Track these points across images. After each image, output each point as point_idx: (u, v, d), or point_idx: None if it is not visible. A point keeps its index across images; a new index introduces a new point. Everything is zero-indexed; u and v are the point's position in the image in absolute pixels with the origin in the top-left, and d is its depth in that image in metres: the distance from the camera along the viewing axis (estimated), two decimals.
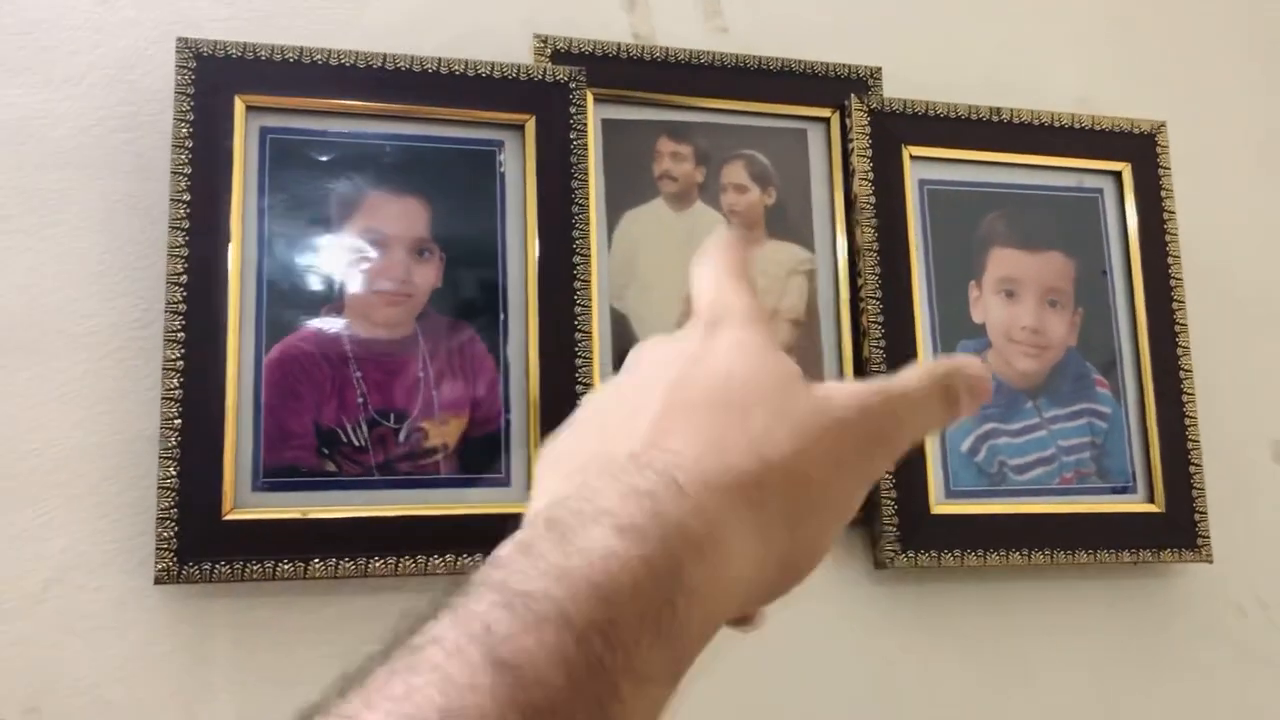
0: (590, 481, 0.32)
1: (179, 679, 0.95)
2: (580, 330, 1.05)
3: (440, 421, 1.01)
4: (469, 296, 1.04)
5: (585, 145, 1.08)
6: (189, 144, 0.99)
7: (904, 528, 1.09)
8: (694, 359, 0.36)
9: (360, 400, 1.00)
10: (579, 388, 1.04)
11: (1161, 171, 1.25)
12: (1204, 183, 1.30)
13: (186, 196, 0.98)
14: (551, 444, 0.38)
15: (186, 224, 0.97)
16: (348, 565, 0.96)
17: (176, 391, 0.95)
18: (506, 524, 0.97)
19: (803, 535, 0.34)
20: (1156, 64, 1.36)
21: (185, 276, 0.96)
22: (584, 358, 1.04)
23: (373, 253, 1.03)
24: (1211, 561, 1.17)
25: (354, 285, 1.02)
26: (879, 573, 1.12)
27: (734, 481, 0.32)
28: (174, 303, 0.96)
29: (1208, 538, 1.17)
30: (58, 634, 0.93)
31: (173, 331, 0.95)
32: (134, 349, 1.00)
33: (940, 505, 1.12)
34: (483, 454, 1.02)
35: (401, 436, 1.00)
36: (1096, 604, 1.18)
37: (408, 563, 0.97)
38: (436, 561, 0.97)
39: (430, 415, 1.01)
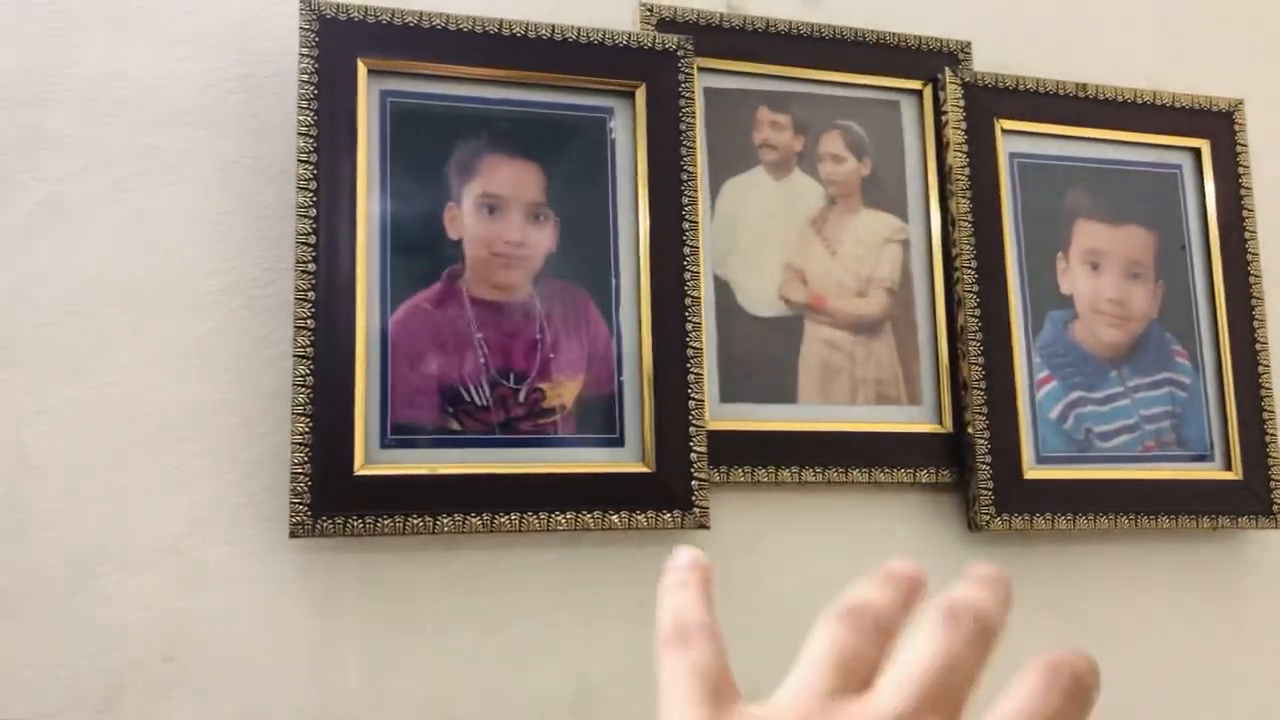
0: None
1: (310, 629, 0.97)
2: (690, 296, 1.07)
3: (557, 383, 1.03)
4: (583, 260, 1.06)
5: (693, 113, 1.10)
6: (314, 105, 1.00)
7: (999, 492, 1.12)
8: None
9: (482, 361, 1.02)
10: (689, 351, 1.06)
11: (1239, 148, 1.28)
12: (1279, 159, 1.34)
13: (314, 157, 0.99)
14: None
15: (314, 184, 0.99)
16: (474, 520, 0.98)
17: (308, 349, 0.96)
18: (624, 483, 1.00)
19: None
20: (1233, 40, 1.39)
21: (314, 236, 0.98)
22: (693, 323, 1.07)
23: (490, 216, 1.04)
24: None
25: (473, 247, 1.03)
26: (973, 535, 1.15)
27: None
28: (303, 261, 0.97)
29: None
30: (191, 586, 0.95)
31: (303, 290, 0.97)
32: (256, 308, 1.01)
33: (1032, 470, 1.15)
34: (598, 415, 1.04)
35: (521, 396, 1.02)
36: (1175, 567, 1.21)
37: (531, 519, 0.99)
38: (559, 517, 0.99)
39: (548, 377, 1.03)
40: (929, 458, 1.14)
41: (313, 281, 0.97)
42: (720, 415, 1.09)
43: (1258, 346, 1.24)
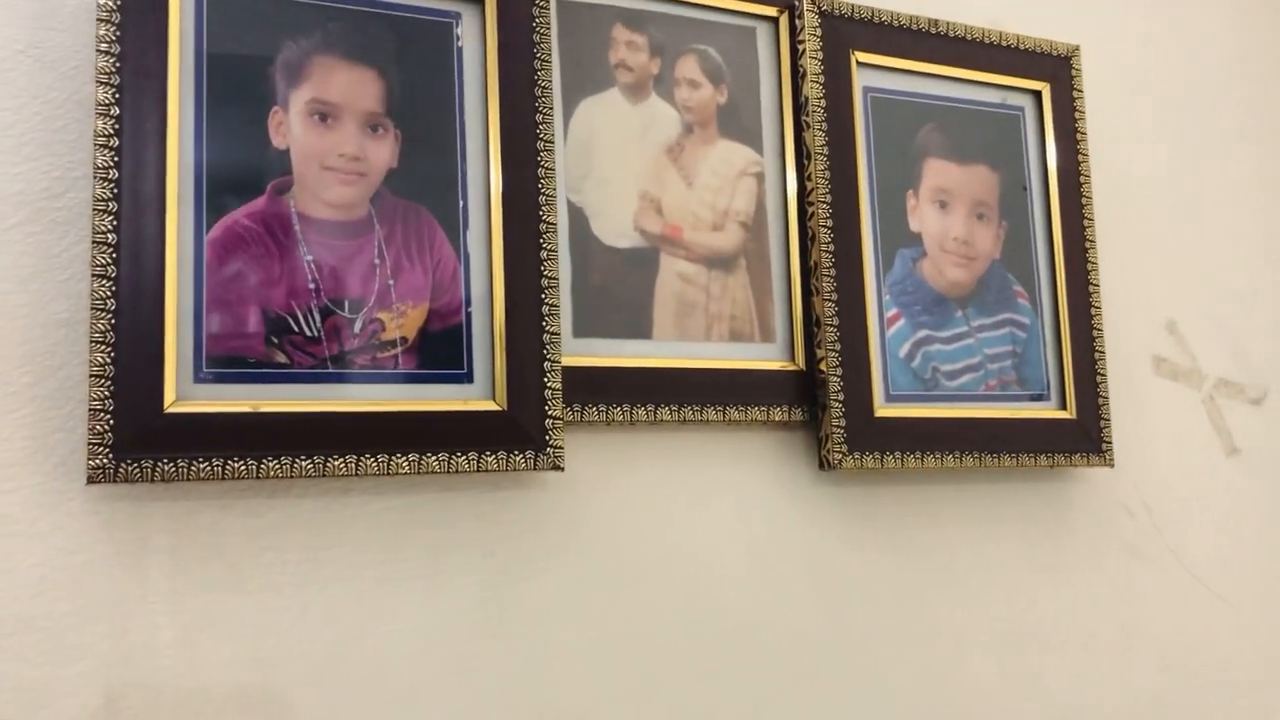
0: None
1: (109, 589, 0.85)
2: (545, 222, 0.99)
3: (398, 313, 0.94)
4: (427, 179, 0.97)
5: (547, 24, 1.02)
6: None
7: (850, 430, 1.10)
8: None
9: (312, 286, 0.91)
10: (544, 281, 0.98)
11: (1076, 94, 1.30)
12: (1115, 105, 1.37)
13: (117, 48, 0.86)
14: None
15: (116, 79, 0.85)
16: (304, 464, 0.88)
17: (108, 268, 0.84)
18: (472, 421, 0.92)
19: None
20: None
21: (117, 139, 0.85)
22: (549, 250, 0.99)
23: (322, 125, 0.93)
24: (1113, 466, 1.25)
25: (302, 159, 0.92)
26: (824, 474, 1.13)
27: None
28: (103, 168, 0.84)
29: (1110, 444, 1.25)
30: None
31: (102, 200, 0.84)
32: (44, 222, 0.87)
33: (882, 409, 1.14)
34: (444, 348, 0.95)
35: (357, 327, 0.93)
36: (1012, 502, 1.24)
37: (368, 461, 0.90)
38: (399, 460, 0.91)
39: (387, 305, 0.94)
40: (782, 396, 1.11)
41: (114, 190, 0.84)
42: (573, 350, 1.02)
43: (1090, 289, 1.27)
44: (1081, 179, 1.28)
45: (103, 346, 0.83)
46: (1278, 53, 1.59)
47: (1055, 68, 1.30)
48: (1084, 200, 1.28)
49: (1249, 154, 1.52)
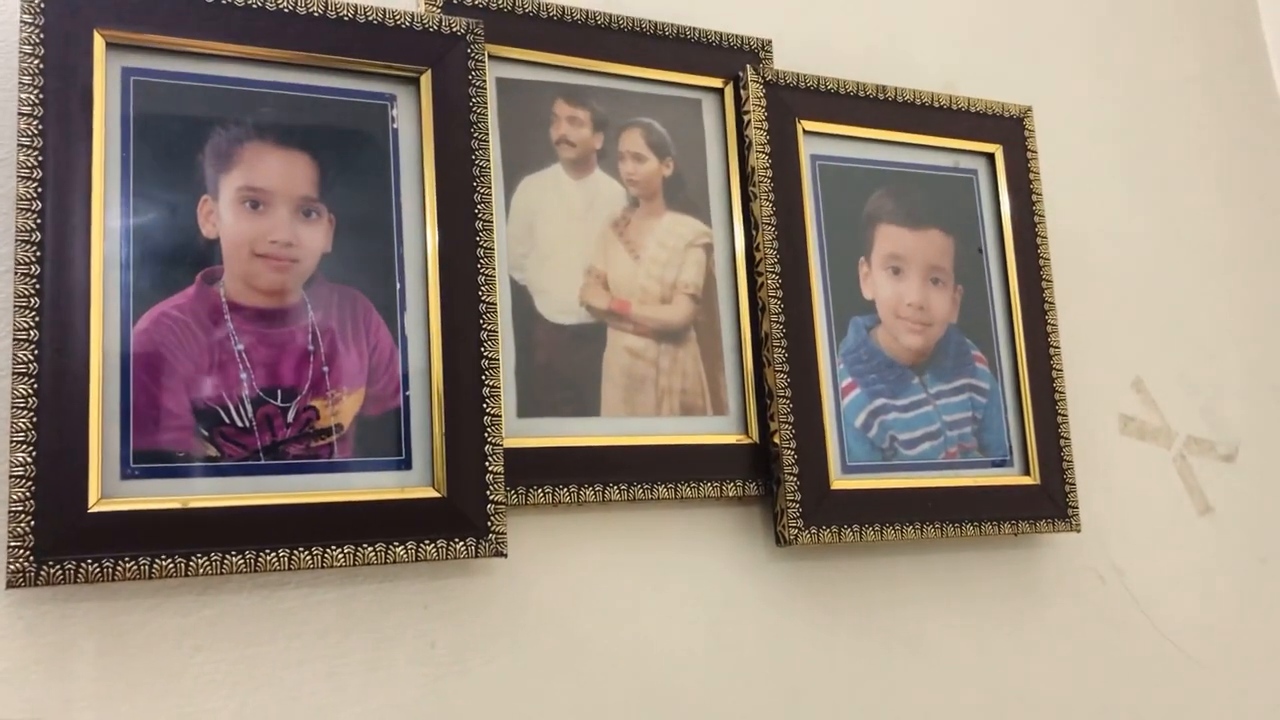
0: None
1: (31, 697, 0.82)
2: (484, 302, 0.98)
3: (333, 399, 0.92)
4: (363, 262, 0.96)
5: (484, 103, 1.01)
6: (39, 82, 0.85)
7: (805, 504, 1.08)
8: None
9: (243, 376, 0.90)
10: (484, 362, 0.97)
11: (1030, 154, 1.30)
12: (1071, 164, 1.36)
13: (39, 141, 0.85)
14: None
15: (39, 173, 0.84)
16: (235, 559, 0.85)
17: (30, 365, 0.82)
18: (410, 509, 0.90)
19: None
20: (1024, 49, 1.41)
21: (39, 234, 0.84)
22: (488, 330, 0.98)
23: (253, 211, 0.92)
24: (1079, 531, 1.23)
25: (233, 247, 0.91)
26: (781, 549, 1.10)
27: None
28: (25, 263, 0.83)
29: (1076, 508, 1.22)
30: None
31: (24, 296, 0.82)
32: None
33: (838, 480, 1.11)
34: (381, 434, 0.94)
35: (290, 416, 0.91)
36: (978, 572, 1.21)
37: (302, 555, 0.87)
38: (335, 552, 0.88)
39: (322, 393, 0.92)
40: (735, 470, 1.09)
41: (36, 286, 0.83)
42: (518, 431, 1.00)
43: (1051, 351, 1.25)
44: (1038, 240, 1.27)
45: (24, 447, 0.81)
46: (1235, 105, 1.59)
47: (1008, 129, 1.29)
48: (1041, 261, 1.27)
49: (1210, 206, 1.51)
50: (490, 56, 1.05)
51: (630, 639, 1.03)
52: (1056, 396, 1.24)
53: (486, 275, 0.98)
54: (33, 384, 0.82)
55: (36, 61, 0.86)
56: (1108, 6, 1.51)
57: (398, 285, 0.96)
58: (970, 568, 1.21)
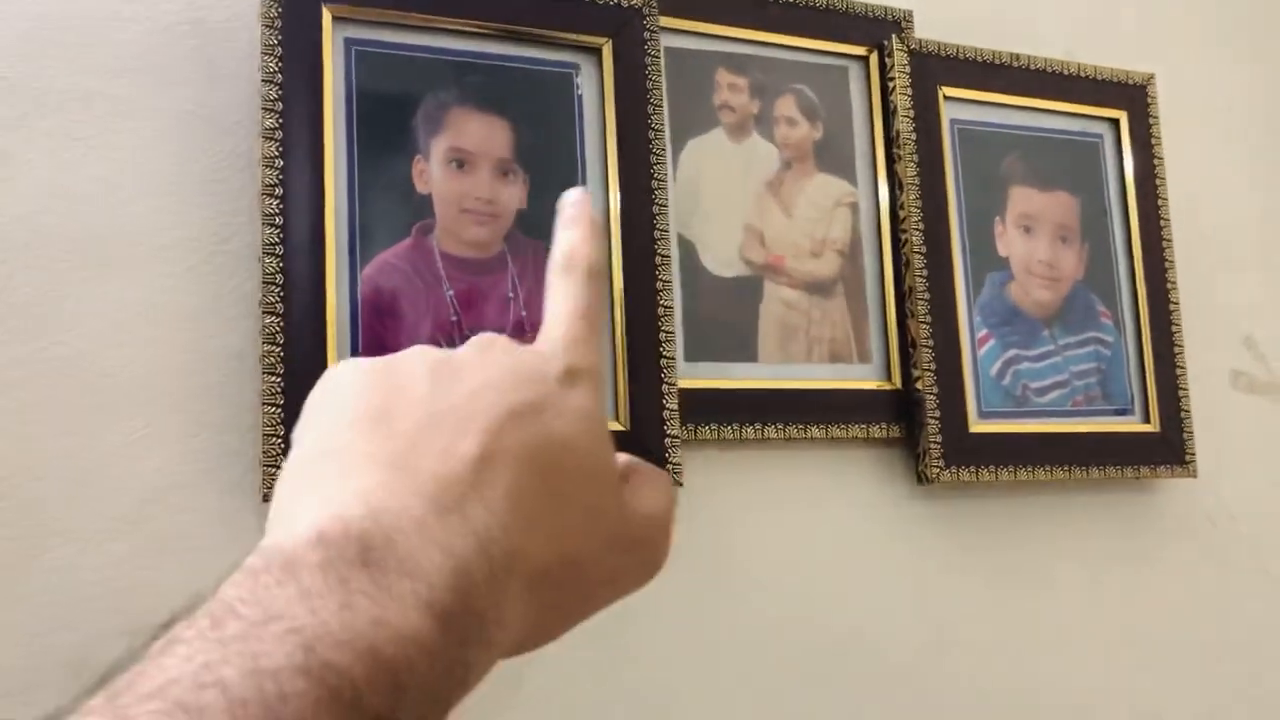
0: (402, 506, 0.29)
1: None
2: (660, 255, 1.07)
3: (531, 341, 1.02)
4: (554, 218, 1.05)
5: (659, 71, 1.10)
6: (277, 51, 0.95)
7: (946, 446, 1.16)
8: (539, 406, 0.33)
9: (454, 319, 1.00)
10: (660, 310, 1.06)
11: (1152, 120, 1.36)
12: (1191, 129, 1.42)
13: (279, 106, 0.95)
14: (328, 411, 0.33)
15: (279, 134, 0.94)
16: None
17: (276, 305, 0.92)
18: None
19: (556, 622, 0.35)
20: (1148, 16, 1.47)
21: (280, 189, 0.94)
22: (664, 281, 1.07)
23: (459, 171, 1.02)
24: (1196, 477, 1.30)
25: (443, 203, 1.01)
26: (921, 487, 1.19)
27: (532, 570, 0.31)
28: (270, 214, 0.93)
29: (1194, 455, 1.29)
30: (156, 555, 0.91)
31: (270, 244, 0.93)
32: (215, 264, 0.96)
33: (976, 425, 1.20)
34: None
35: None
36: (1101, 513, 1.29)
37: None
38: None
39: (521, 335, 1.02)
40: (879, 414, 1.18)
41: (280, 235, 0.93)
42: (686, 374, 1.09)
43: (1171, 307, 1.32)
44: (1159, 202, 1.34)
45: (272, 377, 0.91)
46: None
47: (1131, 96, 1.35)
48: (1162, 222, 1.33)
49: None
50: (661, 28, 1.13)
51: (784, 562, 1.12)
52: (1175, 350, 1.31)
53: (660, 230, 1.07)
54: (279, 321, 0.92)
55: (274, 33, 0.96)
56: None
57: None
58: (1094, 509, 1.28)
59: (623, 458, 0.37)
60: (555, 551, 0.32)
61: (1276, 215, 1.51)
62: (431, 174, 1.01)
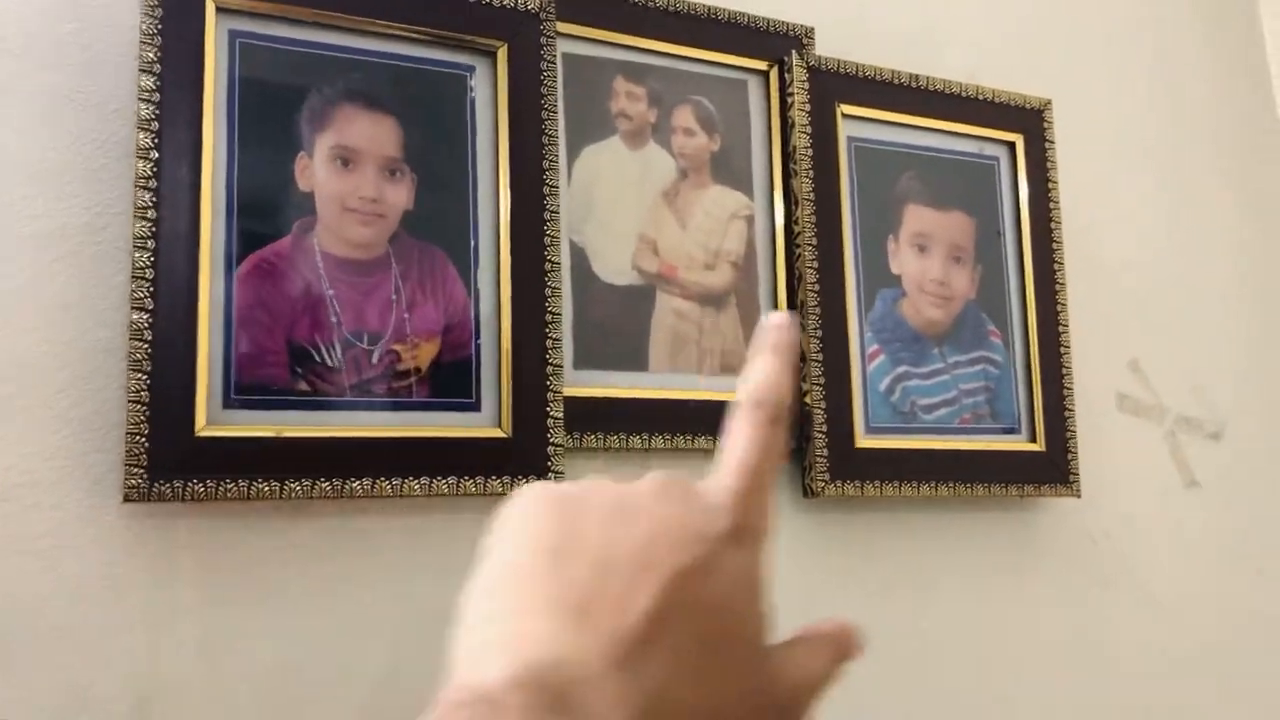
0: (583, 660, 0.32)
1: (142, 600, 0.91)
2: (550, 261, 1.06)
3: (413, 345, 1.01)
4: (440, 221, 1.04)
5: (555, 76, 1.09)
6: (156, 40, 0.93)
7: (833, 460, 1.17)
8: (706, 568, 0.35)
9: (334, 320, 0.98)
10: (548, 316, 1.05)
11: (1048, 144, 1.38)
12: (1086, 154, 1.45)
13: (157, 95, 0.92)
14: (513, 537, 0.37)
15: (156, 124, 0.92)
16: (324, 485, 0.94)
17: (146, 300, 0.90)
18: (479, 447, 0.98)
19: None
20: (1047, 43, 1.50)
21: (155, 181, 0.91)
22: (553, 288, 1.06)
23: (344, 169, 1.00)
24: (1080, 496, 1.32)
25: (325, 201, 0.99)
26: (808, 501, 1.20)
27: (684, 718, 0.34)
28: (143, 207, 0.91)
29: (1077, 475, 1.32)
30: (10, 554, 0.88)
31: (141, 237, 0.90)
32: (87, 255, 0.94)
33: (863, 440, 1.21)
34: (454, 378, 1.02)
35: (375, 358, 0.99)
36: (985, 529, 1.31)
37: (384, 484, 0.96)
38: (412, 483, 0.97)
39: (403, 338, 1.01)
40: None
41: (152, 229, 0.91)
42: (574, 381, 1.09)
43: (1060, 329, 1.34)
44: (1052, 225, 1.36)
45: (139, 374, 0.89)
46: (1243, 97, 1.68)
47: (1029, 120, 1.38)
48: (1054, 245, 1.36)
49: (1213, 202, 1.61)
50: (559, 34, 1.13)
51: None
52: (1063, 372, 1.33)
53: (551, 236, 1.07)
54: (148, 317, 0.90)
55: (154, 21, 0.93)
56: (1127, 5, 1.60)
57: (472, 242, 1.05)
58: (979, 525, 1.30)
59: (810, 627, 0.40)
60: (706, 708, 0.35)
61: (1167, 241, 1.55)
62: (315, 171, 0.99)
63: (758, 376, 0.41)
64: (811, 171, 1.22)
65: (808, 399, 1.18)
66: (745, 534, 0.37)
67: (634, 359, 1.13)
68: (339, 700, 0.96)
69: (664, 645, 0.34)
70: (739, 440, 0.40)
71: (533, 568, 0.36)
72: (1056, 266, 1.36)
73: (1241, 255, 1.62)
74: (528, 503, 0.39)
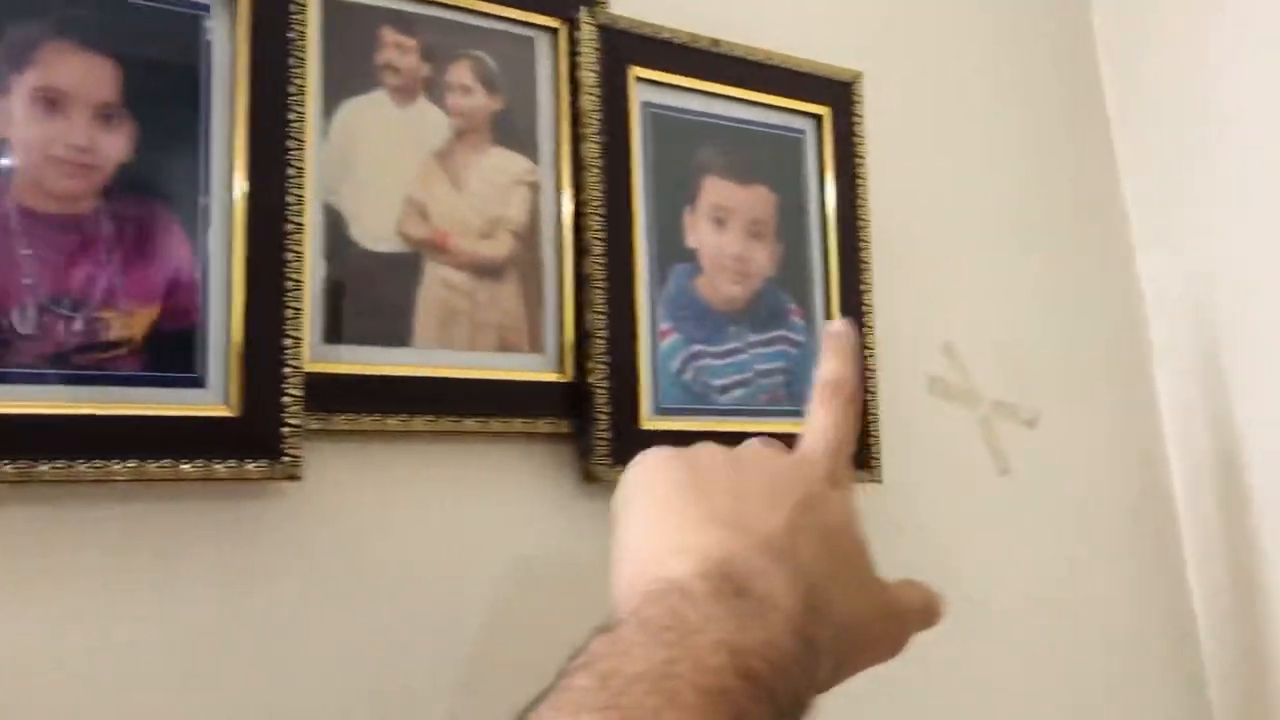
0: (747, 554, 0.43)
1: None
2: (292, 222, 0.97)
3: (125, 312, 0.90)
4: (165, 174, 0.93)
5: (305, 20, 1.00)
6: None
7: (615, 443, 1.10)
8: (818, 498, 0.50)
9: (29, 282, 0.87)
10: (288, 284, 0.96)
11: (856, 119, 1.33)
12: (896, 130, 1.41)
13: None
14: (655, 485, 0.51)
15: None
16: (7, 469, 0.83)
17: None
18: (201, 427, 0.88)
19: (840, 672, 0.50)
20: (857, 14, 1.45)
21: None
22: (294, 252, 0.96)
23: (48, 113, 0.89)
24: (881, 482, 1.28)
25: (25, 148, 0.88)
26: (589, 485, 1.12)
27: (835, 620, 0.46)
28: None
29: (879, 460, 1.28)
30: None
31: None
32: None
33: (649, 421, 1.14)
34: (175, 351, 0.92)
35: (78, 326, 0.88)
36: None
37: (84, 467, 0.85)
38: (118, 466, 0.87)
39: (113, 304, 0.90)
40: (548, 408, 1.10)
41: None
42: (323, 356, 1.00)
43: (864, 309, 1.30)
44: (859, 203, 1.32)
45: None
46: (1069, 80, 1.67)
47: (837, 93, 1.33)
48: (860, 223, 1.31)
49: (1026, 185, 1.59)
50: None
51: (427, 564, 1.03)
52: (867, 352, 1.29)
53: (296, 195, 0.97)
54: None
55: None
56: None
57: (201, 200, 0.94)
58: None
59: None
60: (848, 608, 0.46)
61: (980, 222, 1.52)
62: (12, 114, 0.88)
63: (831, 367, 0.55)
64: (600, 137, 1.14)
65: (590, 377, 1.10)
66: (839, 480, 0.51)
67: (395, 333, 1.04)
68: (47, 703, 0.85)
69: (804, 552, 0.45)
70: (820, 415, 0.55)
71: (682, 500, 0.47)
72: (862, 245, 1.31)
73: (1054, 240, 1.60)
74: (654, 459, 0.52)
